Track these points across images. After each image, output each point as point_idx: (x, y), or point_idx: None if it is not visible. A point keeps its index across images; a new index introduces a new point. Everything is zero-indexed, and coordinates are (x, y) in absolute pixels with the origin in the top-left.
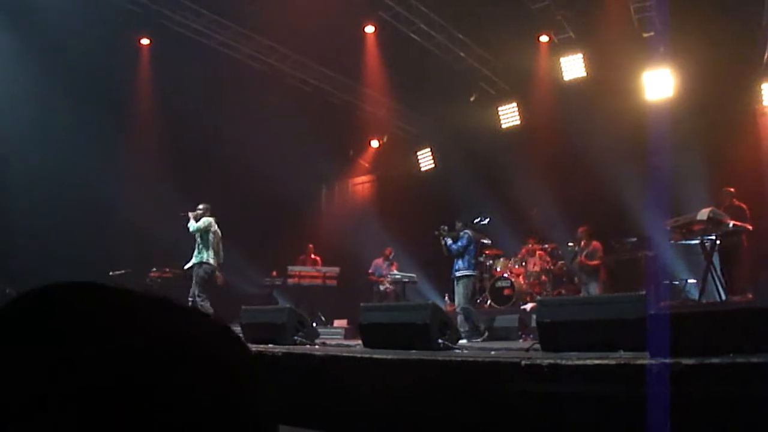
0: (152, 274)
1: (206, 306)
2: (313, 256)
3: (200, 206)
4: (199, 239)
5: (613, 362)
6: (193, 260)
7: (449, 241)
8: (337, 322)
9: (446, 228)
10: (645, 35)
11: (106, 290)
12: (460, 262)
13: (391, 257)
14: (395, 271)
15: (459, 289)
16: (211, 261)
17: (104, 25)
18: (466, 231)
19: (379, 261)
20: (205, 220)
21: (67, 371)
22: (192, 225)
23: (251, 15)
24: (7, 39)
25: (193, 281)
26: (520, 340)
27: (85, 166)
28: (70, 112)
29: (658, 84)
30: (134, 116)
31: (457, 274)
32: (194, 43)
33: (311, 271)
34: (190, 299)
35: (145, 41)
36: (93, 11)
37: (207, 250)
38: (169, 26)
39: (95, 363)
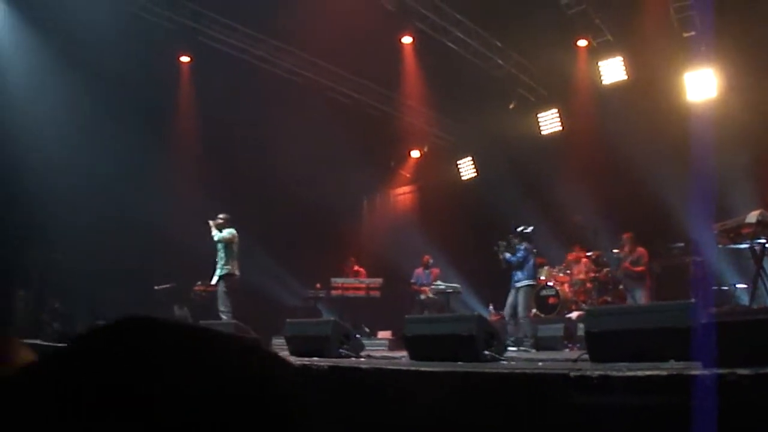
0: (196, 288)
1: (229, 319)
2: (356, 267)
3: (221, 215)
4: (223, 250)
5: (664, 373)
6: (219, 272)
7: (507, 255)
8: (381, 334)
9: (504, 243)
10: (685, 35)
11: (175, 328)
12: (519, 273)
13: (429, 264)
14: (439, 282)
15: (521, 299)
16: (237, 272)
17: (144, 44)
18: (522, 243)
19: (419, 270)
20: (231, 231)
21: (142, 409)
22: (217, 234)
23: (288, 29)
24: (50, 61)
25: (219, 294)
26: (566, 350)
27: (129, 184)
28: (113, 131)
29: (701, 84)
30: (176, 133)
31: (518, 284)
32: (233, 58)
33: (354, 282)
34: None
35: (185, 58)
36: (133, 31)
37: (233, 260)
38: (208, 43)
39: (170, 401)
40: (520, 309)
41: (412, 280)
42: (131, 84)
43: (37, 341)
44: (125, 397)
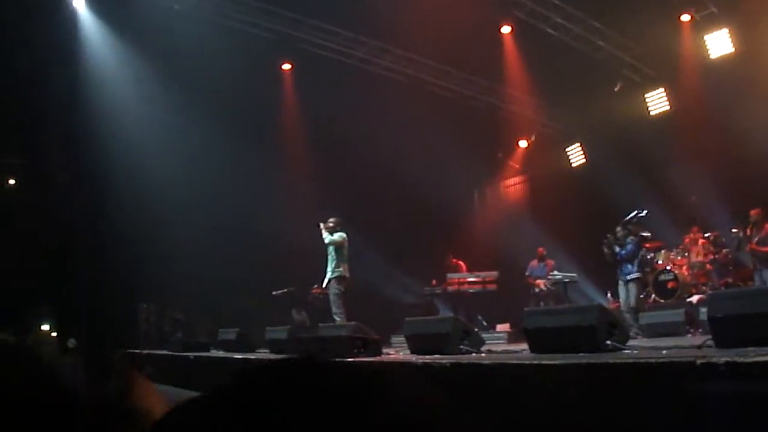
0: (314, 291)
1: (342, 320)
2: (454, 261)
3: (332, 219)
4: (334, 252)
5: None
6: (330, 274)
7: (617, 249)
8: (499, 327)
9: (612, 237)
10: None
11: (331, 368)
12: (629, 266)
13: (544, 256)
14: (555, 272)
15: (632, 291)
16: (347, 275)
17: (246, 55)
18: (630, 236)
19: (534, 263)
20: (341, 234)
21: None
22: (328, 237)
23: (386, 29)
24: (154, 82)
25: (331, 297)
26: (689, 335)
27: (241, 193)
28: (222, 143)
29: None
30: (283, 140)
31: (629, 277)
32: (334, 62)
33: (470, 277)
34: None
35: (286, 66)
36: (234, 44)
37: (343, 263)
38: (309, 49)
39: None
40: (632, 300)
41: (527, 273)
42: (236, 96)
43: (164, 351)
44: None
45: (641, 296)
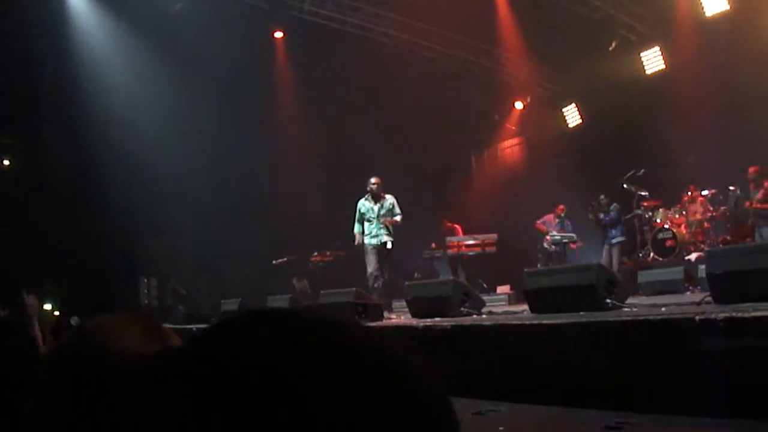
0: (313, 259)
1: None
2: (448, 224)
3: (373, 180)
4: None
5: None
6: (386, 238)
7: (601, 215)
8: (500, 289)
9: (596, 204)
10: None
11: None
12: (614, 230)
13: (563, 215)
14: (554, 232)
15: (615, 253)
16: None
17: (237, 23)
18: (612, 203)
19: (550, 217)
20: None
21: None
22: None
23: None
24: (147, 52)
25: (385, 261)
26: (688, 293)
27: (238, 163)
28: (217, 112)
29: None
30: (278, 107)
31: (613, 240)
32: (327, 29)
33: (469, 239)
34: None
35: (278, 34)
36: (225, 12)
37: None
38: (301, 16)
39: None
40: (615, 262)
41: (540, 221)
42: (229, 65)
43: (167, 325)
44: (272, 380)
45: (640, 255)
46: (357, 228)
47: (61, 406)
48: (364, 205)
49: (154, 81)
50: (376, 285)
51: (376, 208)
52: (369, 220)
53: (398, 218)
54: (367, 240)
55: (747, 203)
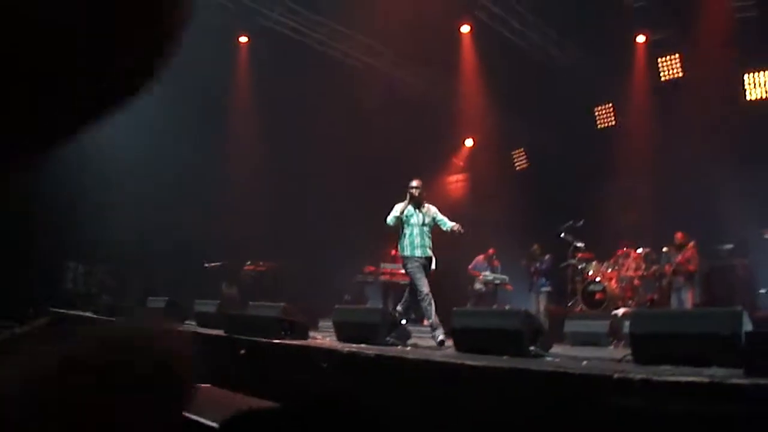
0: (246, 267)
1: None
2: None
3: (414, 183)
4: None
5: (706, 380)
6: (430, 253)
7: (537, 264)
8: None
9: (531, 252)
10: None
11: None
12: (544, 279)
13: (492, 257)
14: (487, 273)
15: (543, 301)
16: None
17: (203, 23)
18: (546, 253)
19: (480, 258)
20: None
21: None
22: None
23: (347, 14)
24: None
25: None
26: (611, 347)
27: (186, 163)
28: (165, 107)
29: (760, 84)
30: (232, 110)
31: (542, 289)
32: (292, 41)
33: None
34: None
35: (243, 39)
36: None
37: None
38: (267, 24)
39: None
40: (542, 310)
41: (470, 266)
42: (187, 63)
43: (89, 314)
44: None
45: (569, 304)
46: (392, 221)
47: None
48: (408, 209)
49: None
50: (430, 307)
51: (420, 216)
52: (410, 225)
53: (458, 225)
54: (408, 251)
55: (667, 266)
